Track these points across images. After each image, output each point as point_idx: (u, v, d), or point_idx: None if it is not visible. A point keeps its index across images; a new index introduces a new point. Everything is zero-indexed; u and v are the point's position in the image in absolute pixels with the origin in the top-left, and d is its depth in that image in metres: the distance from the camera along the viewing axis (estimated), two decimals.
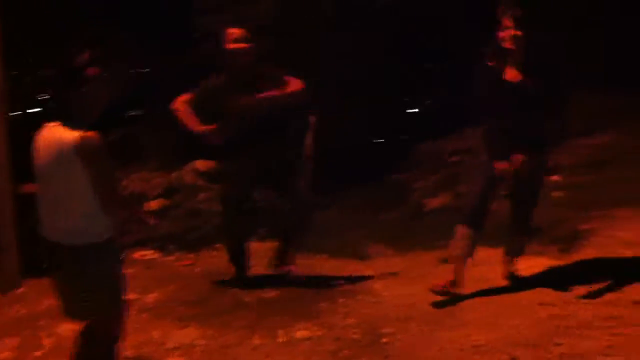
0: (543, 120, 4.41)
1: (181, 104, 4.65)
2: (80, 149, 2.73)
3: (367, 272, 5.49)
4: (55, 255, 2.90)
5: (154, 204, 6.27)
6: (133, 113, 10.88)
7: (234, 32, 4.54)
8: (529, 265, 4.89)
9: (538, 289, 4.49)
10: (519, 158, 4.31)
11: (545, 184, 6.29)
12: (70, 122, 2.80)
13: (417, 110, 12.66)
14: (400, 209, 7.57)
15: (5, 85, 5.01)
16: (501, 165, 4.35)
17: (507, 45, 4.20)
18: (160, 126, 9.28)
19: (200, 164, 7.38)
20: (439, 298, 4.61)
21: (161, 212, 6.20)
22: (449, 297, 4.60)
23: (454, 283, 4.66)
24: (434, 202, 7.48)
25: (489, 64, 4.32)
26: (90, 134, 2.76)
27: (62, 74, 2.83)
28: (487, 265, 5.21)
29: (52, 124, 2.87)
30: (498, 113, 4.36)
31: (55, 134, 2.81)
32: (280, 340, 4.13)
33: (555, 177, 7.02)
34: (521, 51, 4.20)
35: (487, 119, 4.46)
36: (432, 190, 7.77)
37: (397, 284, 5.15)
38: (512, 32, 4.16)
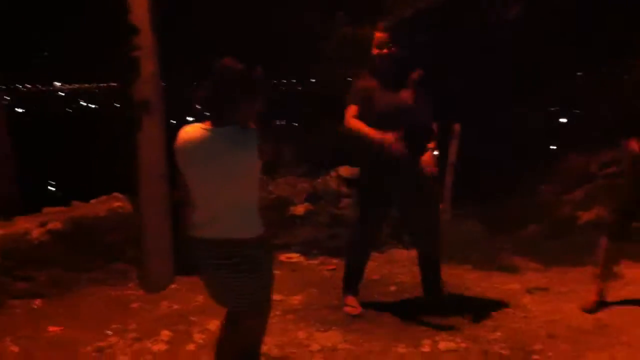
0: None
1: (354, 120, 4.41)
2: (257, 145, 2.89)
3: (514, 286, 5.31)
4: (214, 252, 3.00)
5: (299, 209, 6.36)
6: (278, 122, 11.20)
7: (379, 37, 4.50)
8: None
9: None
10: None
11: None
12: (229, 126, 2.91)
13: (566, 120, 12.19)
14: (548, 221, 7.25)
15: (162, 93, 5.24)
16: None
17: None
18: (304, 134, 9.52)
19: (344, 171, 7.41)
20: (589, 316, 4.40)
21: (306, 217, 6.27)
22: (600, 316, 4.38)
23: (602, 301, 4.47)
24: (586, 216, 7.11)
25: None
26: (258, 132, 2.90)
27: (235, 85, 2.92)
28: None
29: (202, 126, 2.97)
30: None
31: (222, 135, 2.91)
32: (425, 350, 4.07)
33: None
34: None
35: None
36: (583, 204, 7.39)
37: (545, 299, 4.95)
38: None
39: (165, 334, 4.35)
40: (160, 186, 5.19)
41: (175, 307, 4.87)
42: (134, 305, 4.92)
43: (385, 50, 4.45)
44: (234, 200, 2.96)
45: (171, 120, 6.20)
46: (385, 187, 4.50)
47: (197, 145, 2.94)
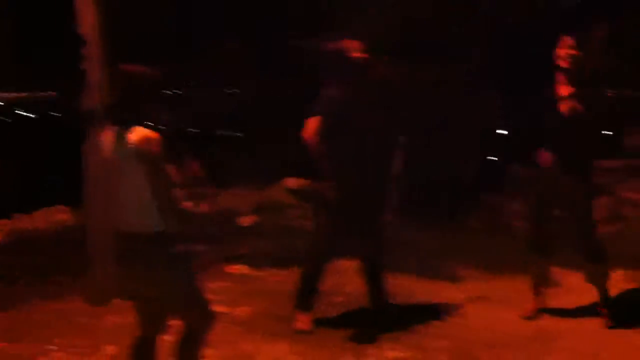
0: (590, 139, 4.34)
1: (314, 135, 4.29)
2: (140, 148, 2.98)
3: (458, 294, 5.42)
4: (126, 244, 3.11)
5: (246, 220, 6.38)
6: (225, 133, 11.18)
7: (354, 43, 4.43)
8: (631, 295, 4.72)
9: (632, 317, 4.33)
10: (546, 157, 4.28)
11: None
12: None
13: (507, 132, 12.45)
14: (491, 231, 7.42)
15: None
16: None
17: (563, 64, 4.18)
18: (252, 145, 9.53)
19: (291, 182, 7.46)
20: (530, 323, 4.54)
21: (253, 228, 6.29)
22: (539, 323, 4.53)
23: (541, 308, 4.63)
24: (525, 225, 7.29)
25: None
26: (150, 134, 2.98)
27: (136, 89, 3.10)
28: (581, 291, 5.08)
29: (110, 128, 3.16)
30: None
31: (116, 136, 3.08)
32: None
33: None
34: (577, 71, 4.15)
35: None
36: (522, 213, 7.58)
37: (488, 308, 5.07)
38: (570, 51, 4.15)
39: (111, 348, 4.30)
40: (102, 192, 5.13)
41: (120, 320, 4.80)
42: (79, 319, 4.84)
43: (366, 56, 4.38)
44: (126, 196, 3.07)
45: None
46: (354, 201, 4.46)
47: (104, 145, 3.19)
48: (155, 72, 3.13)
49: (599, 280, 4.49)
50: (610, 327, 4.34)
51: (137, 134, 2.98)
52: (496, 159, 10.48)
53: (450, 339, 4.40)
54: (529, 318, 4.62)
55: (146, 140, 2.97)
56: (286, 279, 5.79)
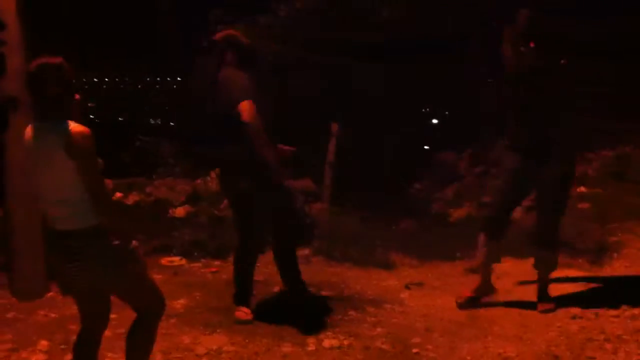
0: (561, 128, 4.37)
1: (259, 121, 4.17)
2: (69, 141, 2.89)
3: (392, 282, 5.50)
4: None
5: (179, 211, 6.29)
6: (154, 122, 11.02)
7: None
8: (558, 277, 4.86)
9: (568, 302, 4.46)
10: None
11: (572, 196, 6.29)
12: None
13: (436, 120, 12.70)
14: (423, 218, 7.57)
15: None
16: None
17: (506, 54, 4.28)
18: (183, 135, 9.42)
19: None
20: (466, 309, 4.63)
21: (186, 219, 6.21)
22: (476, 308, 4.62)
23: (479, 293, 4.70)
24: (458, 213, 7.47)
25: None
26: (80, 128, 2.90)
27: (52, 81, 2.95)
28: (514, 277, 5.22)
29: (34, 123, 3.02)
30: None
31: (41, 130, 2.96)
32: (309, 348, 4.13)
33: (581, 189, 7.00)
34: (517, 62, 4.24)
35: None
36: (455, 200, 7.77)
37: (422, 293, 5.17)
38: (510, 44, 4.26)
39: (43, 344, 4.17)
40: (29, 185, 5.00)
41: (53, 315, 4.69)
42: (8, 314, 4.69)
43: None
44: (57, 194, 2.97)
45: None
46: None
47: (29, 142, 3.00)
48: (71, 63, 3.02)
49: (546, 268, 4.54)
50: (546, 311, 4.41)
51: (67, 128, 2.89)
52: (427, 147, 10.72)
53: (386, 325, 4.46)
54: (463, 303, 4.68)
55: (78, 135, 2.88)
56: (221, 269, 5.76)
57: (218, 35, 4.51)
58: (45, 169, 2.96)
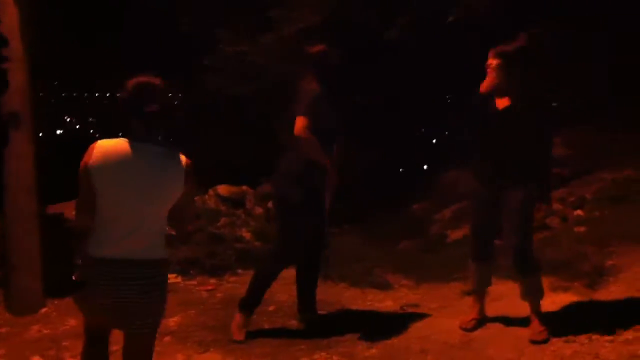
0: (530, 151, 4.35)
1: (308, 132, 4.35)
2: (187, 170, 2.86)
3: (389, 302, 5.49)
4: (126, 272, 2.88)
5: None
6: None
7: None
8: (553, 300, 4.85)
9: (562, 326, 4.44)
10: None
11: (569, 218, 6.29)
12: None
13: (435, 140, 12.72)
14: (421, 239, 7.55)
15: (32, 106, 5.09)
16: None
17: (489, 72, 4.28)
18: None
19: (223, 189, 7.41)
20: (458, 331, 4.62)
21: (184, 237, 6.20)
22: (471, 332, 4.60)
23: (482, 315, 4.70)
24: (455, 234, 7.46)
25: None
26: (186, 157, 2.87)
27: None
28: (507, 299, 5.20)
29: (125, 141, 2.86)
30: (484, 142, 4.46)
31: (153, 153, 2.84)
32: None
33: (578, 212, 6.99)
34: (503, 81, 4.25)
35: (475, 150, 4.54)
36: (453, 222, 7.76)
37: (418, 315, 5.14)
38: (493, 62, 4.25)
39: (36, 359, 4.17)
40: (29, 201, 5.02)
41: (46, 331, 4.69)
42: (2, 329, 4.70)
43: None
44: (153, 221, 2.88)
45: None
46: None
47: (126, 162, 2.82)
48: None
49: (533, 296, 4.44)
50: (543, 341, 4.33)
51: (181, 156, 2.84)
52: (425, 166, 10.72)
53: (380, 346, 4.45)
54: (467, 329, 4.65)
55: (191, 164, 2.85)
56: (217, 287, 5.76)
57: (313, 49, 4.63)
58: (153, 196, 2.84)
